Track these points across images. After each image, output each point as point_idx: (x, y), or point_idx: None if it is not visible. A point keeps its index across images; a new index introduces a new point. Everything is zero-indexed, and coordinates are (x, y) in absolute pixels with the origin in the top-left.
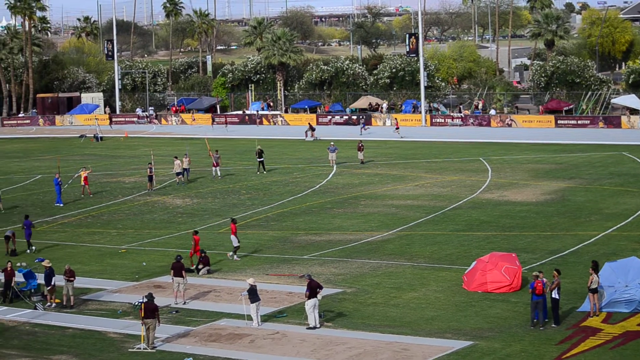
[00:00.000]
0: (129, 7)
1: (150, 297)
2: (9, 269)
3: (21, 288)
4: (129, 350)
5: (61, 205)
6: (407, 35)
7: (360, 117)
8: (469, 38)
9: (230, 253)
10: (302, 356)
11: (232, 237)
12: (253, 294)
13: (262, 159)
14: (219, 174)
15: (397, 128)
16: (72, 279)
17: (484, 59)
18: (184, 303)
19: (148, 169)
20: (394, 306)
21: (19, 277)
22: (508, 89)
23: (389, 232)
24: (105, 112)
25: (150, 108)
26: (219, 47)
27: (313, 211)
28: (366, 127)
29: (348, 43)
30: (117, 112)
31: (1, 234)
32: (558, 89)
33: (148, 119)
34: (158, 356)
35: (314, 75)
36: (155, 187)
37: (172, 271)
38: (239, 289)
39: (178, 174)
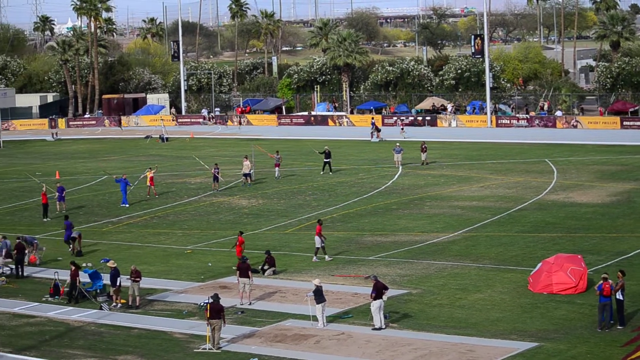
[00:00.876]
0: (194, 8)
1: (216, 297)
2: (73, 269)
3: (87, 288)
4: (194, 350)
5: (127, 206)
6: (473, 37)
7: (401, 119)
8: (534, 39)
9: (316, 257)
10: (367, 357)
11: (316, 237)
12: (319, 295)
13: (329, 160)
14: (278, 175)
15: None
16: (138, 279)
17: (549, 61)
18: (250, 304)
19: (213, 169)
20: (460, 307)
21: (84, 278)
22: (574, 90)
23: (455, 233)
24: (170, 113)
25: (216, 109)
26: (284, 48)
27: (378, 212)
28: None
29: (413, 44)
30: (183, 113)
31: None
32: (623, 91)
33: (213, 120)
34: (223, 356)
35: (379, 77)
36: (220, 188)
37: (238, 272)
38: (305, 290)
39: (245, 175)
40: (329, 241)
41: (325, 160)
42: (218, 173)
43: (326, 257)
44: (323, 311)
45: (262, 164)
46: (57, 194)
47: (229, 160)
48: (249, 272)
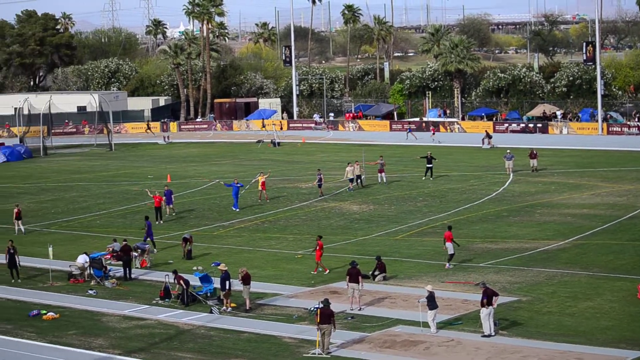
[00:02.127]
0: (306, 14)
1: (326, 302)
2: (176, 276)
3: (197, 292)
4: (304, 355)
5: (237, 210)
6: (584, 44)
7: (410, 125)
8: None
9: (448, 264)
10: None
11: (448, 244)
12: (431, 301)
13: (431, 165)
14: (385, 180)
15: (433, 133)
16: (247, 283)
17: None
18: (360, 309)
19: (317, 175)
20: (569, 315)
21: (195, 281)
22: None
23: (565, 241)
24: (282, 118)
25: (330, 114)
26: (396, 54)
27: (489, 219)
28: (412, 132)
29: (525, 51)
30: (295, 117)
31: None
32: None
33: (324, 125)
34: None
35: (490, 83)
36: (324, 193)
37: (348, 277)
38: (415, 296)
39: (350, 180)
40: (439, 247)
41: (427, 165)
42: (321, 179)
43: (447, 264)
44: (434, 317)
45: (373, 170)
46: (164, 197)
47: (340, 165)
48: (359, 277)
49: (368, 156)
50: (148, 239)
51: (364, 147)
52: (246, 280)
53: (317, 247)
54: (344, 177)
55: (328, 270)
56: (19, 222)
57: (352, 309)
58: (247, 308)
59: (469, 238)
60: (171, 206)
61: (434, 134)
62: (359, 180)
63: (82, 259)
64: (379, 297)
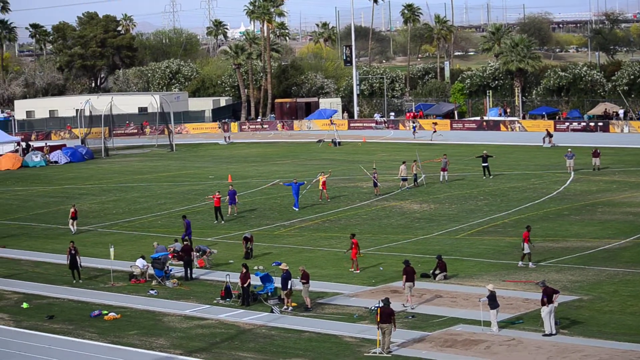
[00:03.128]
0: (366, 13)
1: (386, 301)
2: (244, 271)
3: (258, 291)
4: (365, 354)
5: (297, 209)
6: None
7: (414, 122)
8: None
9: (531, 264)
10: None
11: (525, 244)
12: (492, 300)
13: (486, 164)
14: (446, 179)
15: (435, 131)
16: (306, 281)
17: None
18: (412, 308)
19: (372, 175)
20: (631, 314)
21: (255, 281)
22: None
23: (626, 240)
24: (343, 118)
25: (391, 114)
26: (456, 53)
27: (550, 218)
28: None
29: (585, 49)
30: (355, 117)
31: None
32: None
33: (385, 124)
34: None
35: (551, 82)
36: (380, 193)
37: (405, 276)
38: (476, 295)
39: (403, 179)
40: (500, 246)
41: (483, 164)
42: (376, 178)
43: (530, 264)
44: (496, 317)
45: (434, 169)
46: (228, 197)
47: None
48: (414, 276)
49: (428, 155)
50: (186, 237)
51: (424, 147)
52: (305, 279)
53: (352, 246)
54: (398, 176)
55: (358, 270)
56: (74, 222)
57: (406, 306)
58: (308, 307)
59: (530, 237)
60: (234, 206)
61: (435, 131)
62: (415, 180)
63: (140, 263)
64: (440, 296)
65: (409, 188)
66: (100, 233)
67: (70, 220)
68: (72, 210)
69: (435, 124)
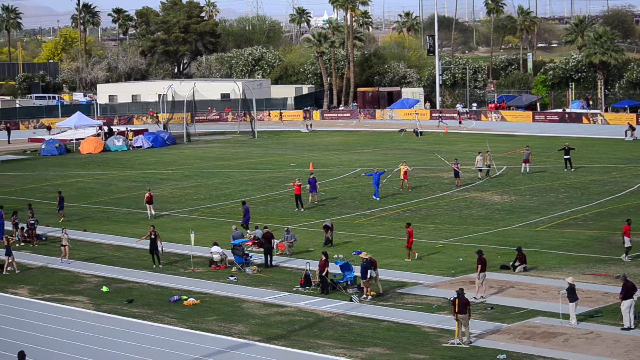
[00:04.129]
0: (450, 3)
1: (461, 291)
2: (322, 259)
3: (337, 280)
4: (443, 345)
5: (378, 199)
6: None
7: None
8: None
9: (626, 257)
10: (615, 357)
11: (626, 238)
12: (572, 293)
13: (568, 157)
14: (528, 170)
15: (441, 120)
16: (375, 268)
17: None
18: (482, 297)
19: (453, 164)
20: None
21: (335, 269)
22: None
23: None
24: (425, 107)
25: (473, 104)
26: (539, 45)
27: (631, 211)
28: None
29: None
30: (437, 107)
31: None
32: None
33: (467, 115)
34: (471, 352)
35: (634, 75)
36: (461, 183)
37: (479, 266)
38: (555, 288)
39: (480, 169)
40: (580, 239)
41: (565, 157)
42: (458, 168)
43: (625, 257)
44: (575, 309)
45: (515, 160)
46: (309, 185)
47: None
48: (485, 265)
49: (510, 147)
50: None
51: (506, 138)
52: (374, 265)
53: (408, 236)
54: (474, 167)
55: (410, 259)
56: (151, 206)
57: (477, 297)
58: (381, 292)
59: (610, 230)
60: (315, 194)
61: (441, 120)
62: (487, 170)
63: (216, 249)
64: (519, 288)
65: (481, 179)
66: (181, 218)
67: (147, 205)
68: (147, 194)
69: (459, 114)
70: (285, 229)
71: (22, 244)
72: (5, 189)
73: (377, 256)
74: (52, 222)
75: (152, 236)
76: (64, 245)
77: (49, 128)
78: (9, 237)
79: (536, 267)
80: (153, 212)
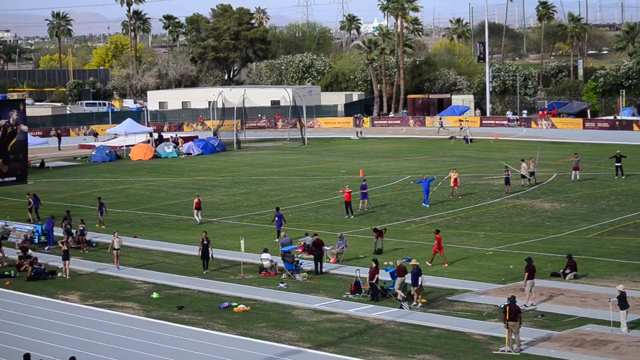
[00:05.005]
0: (500, 10)
1: (512, 299)
2: (373, 266)
3: (388, 287)
4: (494, 352)
5: (427, 206)
6: None
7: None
8: None
9: None
10: None
11: None
12: (623, 301)
13: (620, 164)
14: (578, 178)
15: (461, 128)
16: (402, 275)
17: None
18: (532, 305)
19: (505, 172)
20: None
21: (385, 276)
22: None
23: None
24: (475, 115)
25: (523, 111)
26: (590, 52)
27: None
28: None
29: None
30: (487, 114)
31: (361, 232)
32: None
33: (517, 122)
34: (522, 359)
35: None
36: (511, 191)
37: (527, 273)
38: (606, 295)
39: (523, 176)
40: (631, 246)
41: (616, 164)
42: (509, 175)
43: None
44: (626, 317)
45: (565, 168)
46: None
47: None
48: (534, 273)
49: (561, 154)
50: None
51: (555, 145)
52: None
53: (436, 242)
54: (518, 173)
55: (431, 264)
56: (198, 212)
57: (528, 305)
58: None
59: None
60: (365, 201)
61: (461, 128)
62: (531, 177)
63: (266, 256)
64: (570, 295)
65: (523, 186)
66: (230, 225)
67: (195, 211)
68: (195, 200)
69: (461, 121)
70: (339, 235)
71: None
72: (55, 195)
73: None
74: (103, 229)
75: (205, 242)
76: (116, 249)
77: (96, 134)
78: (62, 242)
79: (587, 274)
80: (199, 218)
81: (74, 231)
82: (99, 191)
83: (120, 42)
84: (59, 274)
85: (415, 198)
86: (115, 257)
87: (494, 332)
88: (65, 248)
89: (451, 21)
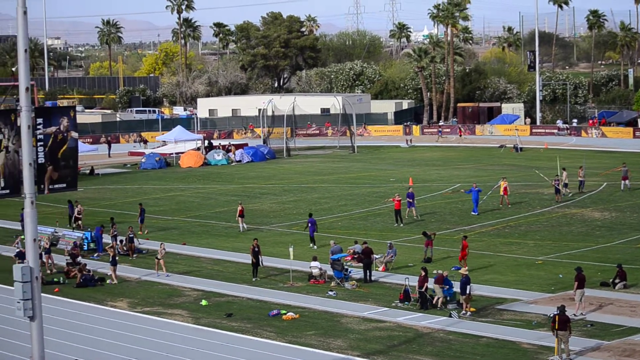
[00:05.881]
0: (551, 19)
1: (562, 308)
2: (422, 274)
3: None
4: None
5: (476, 214)
6: None
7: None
8: None
9: None
10: None
11: None
12: None
13: None
14: (628, 187)
15: (460, 135)
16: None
17: None
18: (582, 314)
19: (554, 182)
20: None
21: (432, 284)
22: None
23: None
24: (525, 123)
25: (573, 120)
26: None
27: None
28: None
29: None
30: (537, 123)
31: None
32: None
33: (567, 131)
34: None
35: None
36: (561, 200)
37: (577, 283)
38: None
39: (565, 185)
40: None
41: None
42: (558, 184)
43: None
44: None
45: (615, 177)
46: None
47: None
48: (584, 282)
49: (611, 163)
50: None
51: (607, 154)
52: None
53: (462, 248)
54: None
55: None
56: (242, 219)
57: (575, 315)
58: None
59: None
60: (413, 209)
61: (460, 135)
62: (578, 185)
63: (315, 264)
64: (619, 305)
65: (564, 195)
66: (280, 232)
67: (239, 218)
68: (239, 208)
69: (460, 128)
70: (388, 243)
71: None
72: (105, 202)
73: (477, 272)
74: (152, 236)
75: (255, 249)
76: (159, 259)
77: (145, 141)
78: (110, 247)
79: (636, 284)
80: (243, 225)
81: (122, 238)
82: (149, 198)
83: (170, 49)
84: (107, 281)
85: (464, 206)
86: (157, 265)
87: (543, 342)
88: (114, 253)
89: (504, 27)
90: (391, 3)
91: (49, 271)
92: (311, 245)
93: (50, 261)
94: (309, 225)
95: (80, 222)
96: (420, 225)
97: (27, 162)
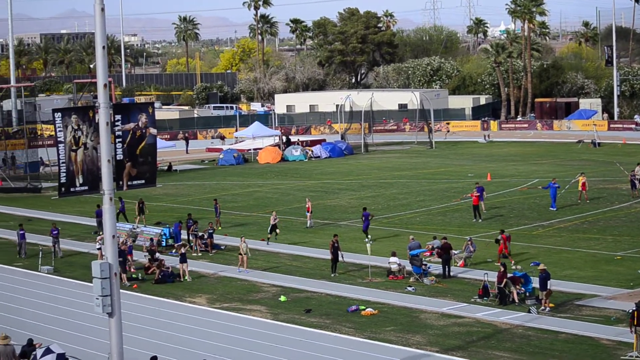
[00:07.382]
0: (627, 13)
1: (639, 303)
2: (501, 271)
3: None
4: (622, 358)
5: (555, 209)
6: None
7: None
8: None
9: None
10: None
11: None
12: None
13: None
14: None
15: (448, 131)
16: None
17: None
18: None
19: (630, 176)
20: None
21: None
22: None
23: None
24: (602, 118)
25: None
26: None
27: None
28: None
29: None
30: (615, 118)
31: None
32: None
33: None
34: None
35: None
36: (638, 194)
37: None
38: None
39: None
40: None
41: None
42: (636, 178)
43: None
44: None
45: None
46: (477, 193)
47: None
48: None
49: None
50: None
51: None
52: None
53: (502, 241)
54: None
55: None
56: (309, 215)
57: None
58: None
59: None
60: (481, 203)
61: (448, 131)
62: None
63: (394, 260)
64: None
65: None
66: (358, 228)
67: (308, 214)
68: (308, 204)
69: (448, 123)
70: (467, 239)
71: (200, 253)
72: (183, 199)
73: (555, 267)
74: (231, 232)
75: (335, 245)
76: (242, 254)
77: (222, 138)
78: (180, 245)
79: None
80: (310, 221)
81: (202, 234)
82: (227, 194)
83: (247, 45)
84: (185, 277)
85: (542, 202)
86: (240, 261)
87: (622, 338)
88: (183, 251)
89: (583, 22)
90: None
91: (128, 268)
92: (366, 240)
93: (130, 259)
94: (363, 219)
95: (143, 216)
96: (499, 221)
97: (106, 158)
